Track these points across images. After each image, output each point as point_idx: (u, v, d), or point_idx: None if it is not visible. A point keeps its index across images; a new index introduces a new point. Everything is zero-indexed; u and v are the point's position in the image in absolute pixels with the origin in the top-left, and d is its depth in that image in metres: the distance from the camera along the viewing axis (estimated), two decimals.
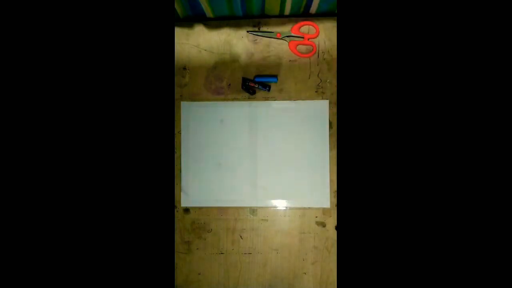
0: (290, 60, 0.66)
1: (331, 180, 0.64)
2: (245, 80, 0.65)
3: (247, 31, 0.66)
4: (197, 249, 0.65)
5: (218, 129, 0.66)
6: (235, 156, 0.66)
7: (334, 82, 0.65)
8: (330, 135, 0.65)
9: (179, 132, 0.66)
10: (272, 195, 0.65)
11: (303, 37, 0.65)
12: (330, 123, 0.65)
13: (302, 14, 0.66)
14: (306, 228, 0.65)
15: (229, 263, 0.65)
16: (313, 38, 0.65)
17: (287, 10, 0.64)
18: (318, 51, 0.66)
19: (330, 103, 0.65)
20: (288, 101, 0.65)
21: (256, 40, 0.66)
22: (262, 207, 0.65)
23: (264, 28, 0.66)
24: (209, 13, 0.64)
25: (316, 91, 0.65)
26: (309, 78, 0.66)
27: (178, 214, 0.66)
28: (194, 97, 0.66)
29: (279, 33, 0.65)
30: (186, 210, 0.66)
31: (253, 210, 0.65)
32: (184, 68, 0.67)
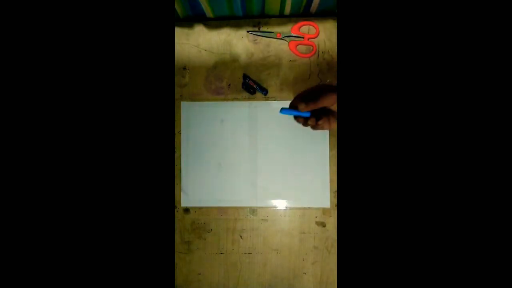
0: (290, 60, 0.66)
1: (331, 180, 0.64)
2: (246, 77, 0.65)
3: (247, 31, 0.66)
4: (197, 249, 0.65)
5: (218, 129, 0.66)
6: (235, 156, 0.66)
7: (334, 82, 0.65)
8: (330, 135, 0.65)
9: (179, 132, 0.66)
10: (272, 195, 0.65)
11: (303, 37, 0.65)
12: None
13: (302, 14, 0.66)
14: (306, 228, 0.65)
15: (229, 263, 0.65)
16: (313, 38, 0.65)
17: (287, 10, 0.64)
18: (318, 51, 0.66)
19: None
20: (288, 101, 0.65)
21: (256, 40, 0.66)
22: (262, 207, 0.65)
23: (264, 28, 0.66)
24: (209, 13, 0.64)
25: None
26: (309, 78, 0.66)
27: (178, 214, 0.66)
28: (194, 97, 0.66)
29: (279, 33, 0.65)
30: (186, 210, 0.66)
31: (253, 210, 0.65)
32: (184, 68, 0.67)
